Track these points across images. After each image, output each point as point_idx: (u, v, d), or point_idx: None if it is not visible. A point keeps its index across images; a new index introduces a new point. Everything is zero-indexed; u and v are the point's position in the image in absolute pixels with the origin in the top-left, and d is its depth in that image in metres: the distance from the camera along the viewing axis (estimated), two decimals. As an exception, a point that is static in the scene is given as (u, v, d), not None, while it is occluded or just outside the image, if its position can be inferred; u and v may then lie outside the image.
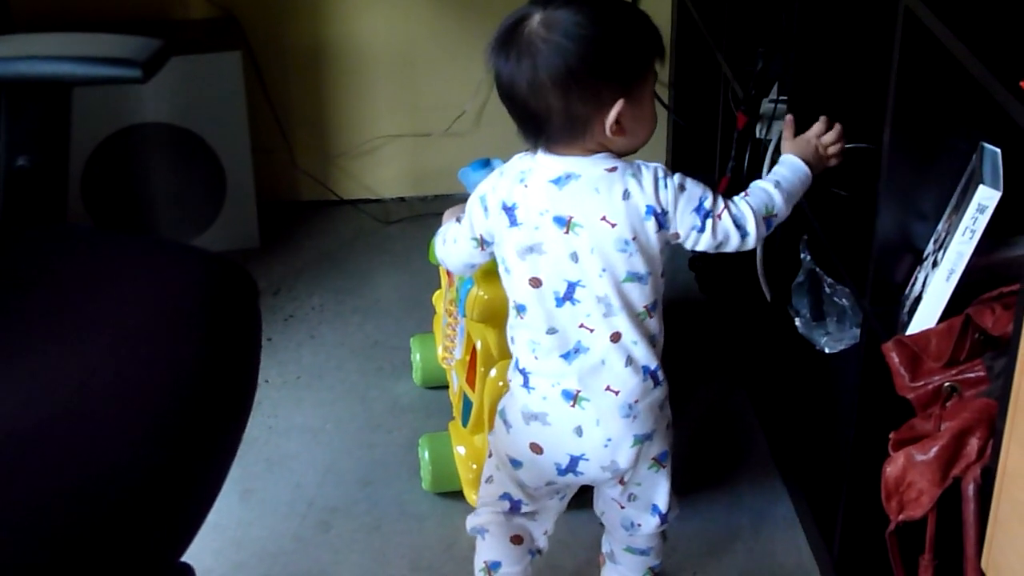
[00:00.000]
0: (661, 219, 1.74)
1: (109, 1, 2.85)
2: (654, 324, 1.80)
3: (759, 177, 2.13)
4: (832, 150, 1.87)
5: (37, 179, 1.71)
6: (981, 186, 1.57)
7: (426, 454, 2.24)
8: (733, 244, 1.79)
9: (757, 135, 2.29)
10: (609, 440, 1.80)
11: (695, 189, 1.76)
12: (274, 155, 3.03)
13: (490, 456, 1.92)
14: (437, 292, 2.47)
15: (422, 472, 2.26)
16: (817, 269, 2.07)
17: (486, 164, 2.14)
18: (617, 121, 1.72)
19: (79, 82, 1.71)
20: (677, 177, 1.76)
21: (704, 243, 1.78)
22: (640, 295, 1.76)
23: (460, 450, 2.19)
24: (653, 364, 1.80)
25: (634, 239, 1.73)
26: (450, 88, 3.03)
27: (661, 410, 1.84)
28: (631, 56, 1.73)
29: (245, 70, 2.81)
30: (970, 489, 1.48)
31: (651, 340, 1.80)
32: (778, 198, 1.81)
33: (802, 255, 2.10)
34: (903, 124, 1.67)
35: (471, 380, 2.14)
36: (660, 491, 1.90)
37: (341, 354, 2.62)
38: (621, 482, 1.87)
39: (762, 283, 2.32)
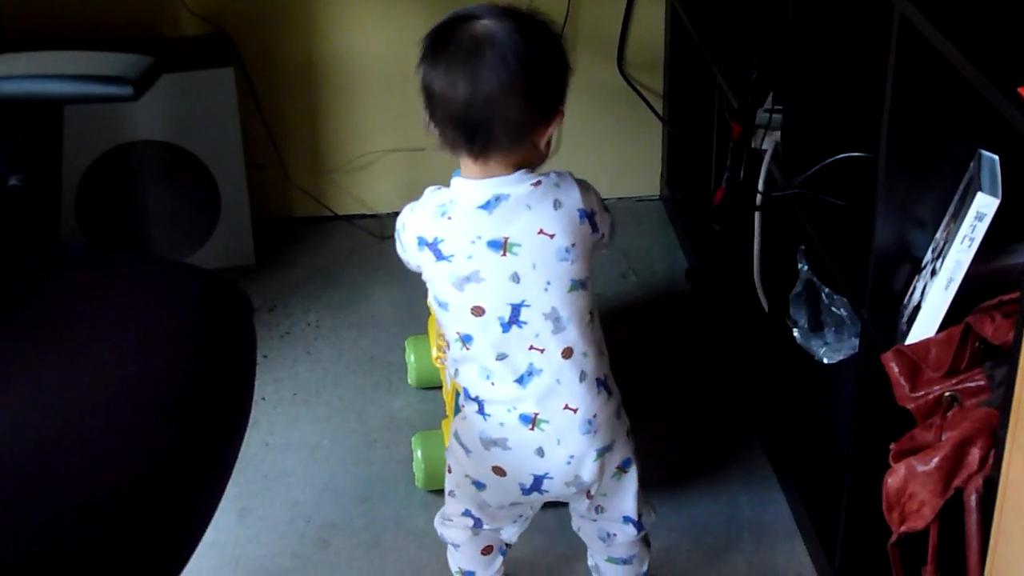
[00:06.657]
0: (592, 220, 1.76)
1: (100, 19, 2.84)
2: (598, 331, 1.82)
3: (755, 187, 2.14)
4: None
5: (30, 199, 1.70)
6: (979, 193, 1.56)
7: (419, 452, 2.24)
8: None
9: (752, 145, 2.29)
10: (572, 457, 1.80)
11: (596, 191, 1.81)
12: (268, 171, 3.03)
13: (449, 472, 1.92)
14: (432, 294, 2.46)
15: (415, 470, 2.26)
16: (815, 279, 2.06)
17: None
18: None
19: (70, 100, 1.70)
20: (586, 182, 1.79)
21: (606, 241, 1.83)
22: (584, 303, 1.77)
23: None
24: (602, 374, 1.81)
25: (573, 246, 1.74)
26: (444, 102, 3.02)
27: (619, 419, 1.84)
28: (564, 78, 1.76)
29: (238, 86, 2.80)
30: (972, 499, 1.47)
31: (598, 349, 1.81)
32: None
33: (799, 265, 2.10)
34: (900, 132, 1.66)
35: (462, 378, 2.14)
36: (627, 498, 1.88)
37: (337, 370, 2.61)
38: (588, 496, 1.87)
39: (759, 294, 2.31)
